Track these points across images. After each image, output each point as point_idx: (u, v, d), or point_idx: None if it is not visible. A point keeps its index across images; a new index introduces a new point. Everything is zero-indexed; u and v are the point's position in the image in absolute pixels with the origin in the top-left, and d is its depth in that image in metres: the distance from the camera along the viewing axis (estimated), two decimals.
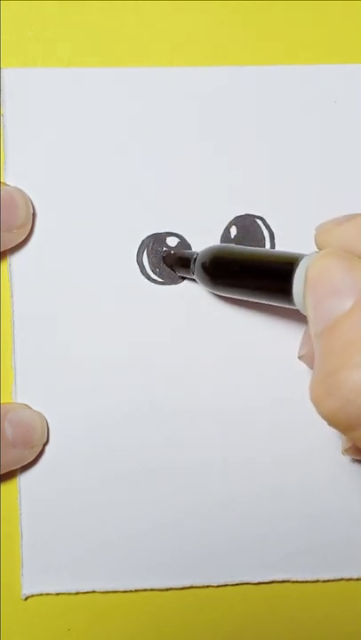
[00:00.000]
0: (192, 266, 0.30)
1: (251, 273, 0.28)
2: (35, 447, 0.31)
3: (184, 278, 0.32)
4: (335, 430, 0.30)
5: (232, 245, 0.31)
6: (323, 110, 0.32)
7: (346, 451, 0.30)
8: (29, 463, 0.32)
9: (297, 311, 0.31)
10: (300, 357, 0.29)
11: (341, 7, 0.33)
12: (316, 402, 0.23)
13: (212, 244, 0.32)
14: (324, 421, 0.30)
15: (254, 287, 0.28)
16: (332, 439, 0.32)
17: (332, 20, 0.33)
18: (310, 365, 0.28)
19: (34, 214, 0.31)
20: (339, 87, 0.32)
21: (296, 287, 0.25)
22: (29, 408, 0.31)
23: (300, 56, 0.32)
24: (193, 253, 0.31)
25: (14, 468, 0.31)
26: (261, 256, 0.28)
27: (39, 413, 0.31)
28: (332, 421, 0.22)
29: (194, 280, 0.31)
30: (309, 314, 0.24)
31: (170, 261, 0.32)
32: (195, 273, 0.30)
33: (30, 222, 0.31)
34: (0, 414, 0.31)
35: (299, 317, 0.32)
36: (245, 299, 0.29)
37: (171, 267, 0.32)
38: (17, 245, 0.31)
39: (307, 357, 0.28)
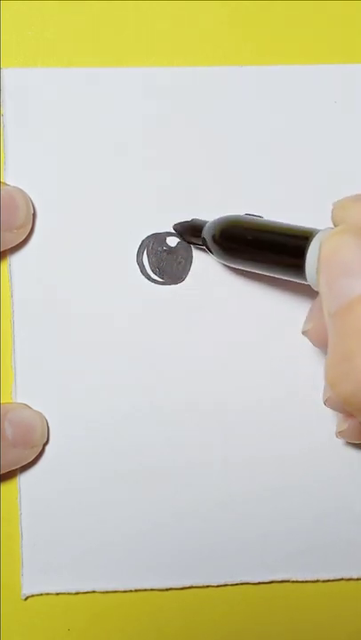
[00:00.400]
0: (204, 235, 0.30)
1: (263, 246, 0.28)
2: (35, 447, 0.31)
3: (185, 273, 0.32)
4: (335, 430, 0.31)
5: (245, 216, 0.30)
6: (323, 110, 0.32)
7: (340, 433, 0.30)
8: (29, 463, 0.32)
9: (297, 307, 0.31)
10: (304, 332, 0.28)
11: (341, 7, 0.33)
12: (332, 384, 0.23)
13: None
14: (323, 421, 0.30)
15: (266, 261, 0.28)
16: (333, 439, 0.32)
17: (333, 20, 0.33)
18: (313, 341, 0.28)
19: (34, 214, 0.31)
20: (339, 87, 0.32)
21: (309, 263, 0.25)
22: (29, 408, 0.31)
23: (300, 56, 0.32)
24: (205, 222, 0.31)
25: (14, 467, 0.31)
26: (275, 229, 0.28)
27: (39, 413, 0.31)
28: (347, 404, 0.23)
29: (203, 249, 0.31)
30: (323, 292, 0.23)
31: (181, 229, 0.32)
32: (205, 242, 0.30)
33: (30, 222, 0.31)
34: (0, 414, 0.31)
35: (298, 316, 0.32)
36: (255, 271, 0.29)
37: (182, 235, 0.32)
38: (17, 245, 0.31)
39: (311, 333, 0.28)
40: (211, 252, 0.30)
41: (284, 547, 0.32)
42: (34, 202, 0.31)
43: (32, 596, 0.32)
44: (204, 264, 0.32)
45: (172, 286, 0.32)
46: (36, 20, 0.32)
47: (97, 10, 0.32)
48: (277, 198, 0.32)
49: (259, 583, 0.33)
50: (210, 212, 0.32)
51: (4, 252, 0.31)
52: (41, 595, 0.32)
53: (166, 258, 0.32)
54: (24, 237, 0.31)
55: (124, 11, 0.32)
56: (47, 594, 0.32)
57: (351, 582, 0.33)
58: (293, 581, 0.33)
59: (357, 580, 0.33)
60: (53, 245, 0.32)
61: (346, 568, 0.33)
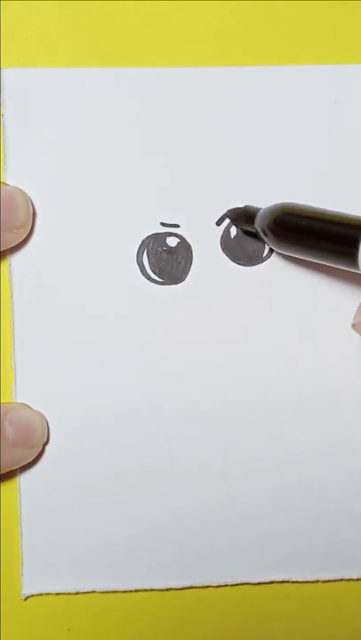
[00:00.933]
0: (257, 221, 0.30)
1: (316, 234, 0.28)
2: (35, 447, 0.31)
3: (185, 273, 0.32)
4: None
5: (299, 204, 0.30)
6: (323, 110, 0.32)
7: (355, 325, 0.30)
8: (29, 463, 0.32)
9: (297, 307, 0.31)
10: (353, 326, 0.29)
11: (341, 7, 0.33)
12: None
13: (212, 243, 0.32)
14: (324, 421, 0.30)
15: (318, 249, 0.28)
16: (332, 439, 0.32)
17: (333, 20, 0.33)
18: None
19: (34, 214, 0.31)
20: (339, 87, 0.32)
21: None
22: (29, 408, 0.31)
23: (300, 56, 0.32)
24: (258, 209, 0.31)
25: (14, 467, 0.31)
26: (329, 217, 0.28)
27: (39, 413, 0.31)
28: None
29: (254, 236, 0.31)
30: None
31: (234, 216, 0.32)
32: (259, 229, 0.30)
33: (30, 222, 0.31)
34: (0, 414, 0.31)
35: (299, 316, 0.32)
36: (307, 259, 0.29)
37: (233, 220, 0.32)
38: (17, 245, 0.31)
39: (359, 326, 0.28)
40: (264, 238, 0.30)
41: (284, 547, 0.32)
42: (34, 202, 0.31)
43: (32, 595, 0.32)
44: (204, 264, 0.32)
45: (172, 286, 0.32)
46: (36, 20, 0.32)
47: (97, 10, 0.32)
48: (278, 198, 0.32)
49: (259, 583, 0.33)
50: (210, 212, 0.32)
51: (4, 251, 0.31)
52: (41, 595, 0.32)
53: (166, 258, 0.32)
54: (24, 237, 0.31)
55: (124, 11, 0.32)
56: (47, 594, 0.32)
57: (351, 582, 0.33)
58: (293, 581, 0.33)
59: (357, 580, 0.33)
60: (53, 245, 0.32)
61: (346, 568, 0.33)
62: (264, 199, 0.32)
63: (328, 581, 0.33)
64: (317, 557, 0.32)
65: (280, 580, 0.32)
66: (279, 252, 0.31)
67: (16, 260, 0.32)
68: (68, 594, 0.32)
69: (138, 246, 0.32)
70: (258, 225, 0.30)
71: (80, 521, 0.32)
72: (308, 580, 0.33)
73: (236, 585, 0.32)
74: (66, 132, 0.32)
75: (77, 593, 0.32)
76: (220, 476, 0.32)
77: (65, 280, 0.32)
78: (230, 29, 0.32)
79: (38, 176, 0.32)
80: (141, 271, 0.32)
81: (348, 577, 0.33)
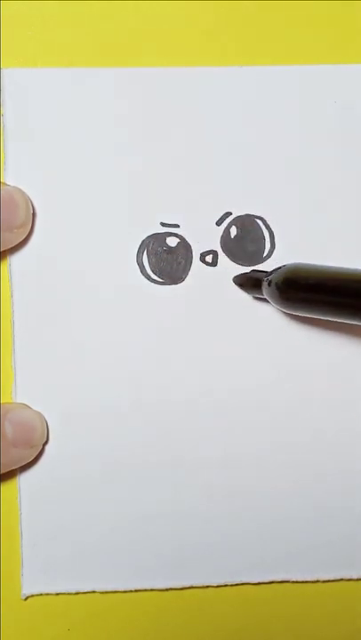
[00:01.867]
0: (264, 285, 0.30)
1: (328, 292, 0.28)
2: (34, 447, 0.31)
3: (185, 273, 0.32)
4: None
5: (305, 263, 0.30)
6: (323, 110, 0.32)
7: None
8: (29, 463, 0.31)
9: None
10: None
11: (341, 7, 0.33)
12: None
13: (212, 243, 0.32)
14: (324, 421, 0.30)
15: (332, 309, 0.28)
16: (332, 439, 0.32)
17: (333, 20, 0.33)
18: None
19: (34, 214, 0.31)
20: (339, 87, 0.32)
21: None
22: (29, 408, 0.31)
23: (300, 56, 0.32)
24: (263, 273, 0.31)
25: (14, 467, 0.31)
26: (336, 275, 0.28)
27: (39, 413, 0.31)
28: None
29: (265, 300, 0.31)
30: None
31: (239, 281, 0.32)
32: (266, 293, 0.30)
33: (30, 222, 0.31)
34: (0, 414, 0.31)
35: (300, 316, 0.32)
36: (321, 318, 0.29)
37: (242, 286, 0.32)
38: (17, 245, 0.31)
39: None
40: (272, 301, 0.30)
41: (284, 547, 0.32)
42: (34, 202, 0.31)
43: (32, 595, 0.32)
44: (204, 264, 0.32)
45: (172, 286, 0.32)
46: (36, 20, 0.32)
47: (97, 10, 0.32)
48: (278, 198, 0.32)
49: (259, 583, 0.32)
50: (210, 213, 0.32)
51: (4, 251, 0.31)
52: (41, 595, 0.32)
53: (166, 258, 0.32)
54: (24, 237, 0.31)
55: (124, 11, 0.32)
56: (47, 594, 0.32)
57: (351, 582, 0.33)
58: (293, 581, 0.33)
59: (357, 580, 0.33)
60: (53, 246, 0.32)
61: (346, 568, 0.33)
62: (264, 198, 0.32)
63: (328, 581, 0.33)
64: (317, 557, 0.32)
65: (280, 579, 0.32)
66: (288, 312, 0.31)
67: (16, 259, 0.32)
68: (68, 594, 0.32)
69: (138, 246, 0.32)
70: (265, 288, 0.30)
71: (80, 521, 0.32)
72: (308, 579, 0.33)
73: (236, 585, 0.32)
74: (66, 132, 0.32)
75: (77, 593, 0.32)
76: (220, 476, 0.32)
77: (65, 280, 0.32)
78: (230, 29, 0.32)
79: (38, 176, 0.32)
80: (141, 271, 0.32)
81: (348, 577, 0.33)
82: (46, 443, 0.32)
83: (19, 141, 0.31)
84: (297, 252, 0.32)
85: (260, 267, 0.32)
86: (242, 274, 0.32)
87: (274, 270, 0.30)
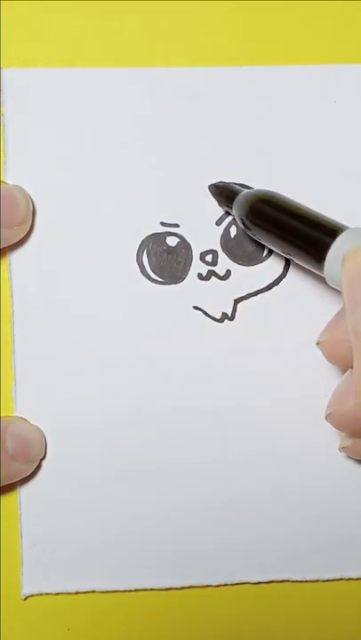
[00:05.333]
0: (235, 204, 0.30)
1: (288, 230, 0.28)
2: (33, 462, 0.31)
3: (185, 273, 0.32)
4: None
5: (278, 194, 0.30)
6: (323, 110, 0.32)
7: (344, 449, 0.30)
8: None
9: (298, 309, 0.31)
10: (318, 344, 0.28)
11: (341, 7, 0.33)
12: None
13: (212, 243, 0.32)
14: (323, 421, 0.30)
15: (288, 245, 0.28)
16: (332, 439, 0.32)
17: (333, 20, 0.33)
18: (327, 354, 0.28)
19: (34, 212, 0.31)
20: (339, 87, 0.32)
21: (329, 261, 0.25)
22: (28, 422, 0.31)
23: (300, 56, 0.32)
24: (240, 190, 0.31)
25: (12, 481, 0.31)
26: (305, 215, 0.28)
27: (38, 428, 0.31)
28: None
29: (231, 215, 0.31)
30: (347, 308, 0.23)
31: (216, 191, 0.32)
32: (235, 211, 0.30)
33: (30, 219, 0.31)
34: (1, 428, 0.31)
35: (300, 316, 0.32)
36: (276, 250, 0.29)
37: (215, 196, 0.32)
38: (16, 246, 0.31)
39: (325, 345, 0.28)
40: (237, 221, 0.30)
41: (283, 547, 0.32)
42: (34, 202, 0.31)
43: (32, 595, 0.32)
44: (204, 264, 0.32)
45: (172, 286, 0.32)
46: (36, 20, 0.32)
47: (97, 10, 0.32)
48: None
49: (259, 583, 0.32)
50: (210, 212, 0.32)
51: (4, 249, 0.31)
52: (41, 595, 0.32)
53: (166, 258, 0.32)
54: (24, 235, 0.31)
55: (124, 11, 0.32)
56: (47, 594, 0.32)
57: (351, 582, 0.33)
58: (293, 581, 0.33)
59: (357, 579, 0.33)
60: (53, 246, 0.32)
61: (346, 568, 0.33)
62: None
63: (328, 581, 0.33)
64: (317, 557, 0.32)
65: (280, 579, 0.32)
66: (251, 236, 0.31)
67: (16, 259, 0.32)
68: (68, 594, 0.32)
69: (138, 246, 0.32)
70: (235, 207, 0.30)
71: (80, 521, 0.32)
72: (308, 579, 0.32)
73: (236, 585, 0.32)
74: (66, 132, 0.32)
75: (77, 593, 0.32)
76: (219, 476, 0.32)
77: (65, 280, 0.32)
78: (230, 29, 0.32)
79: (38, 176, 0.32)
80: (141, 271, 0.32)
81: (347, 577, 0.33)
82: (43, 458, 0.32)
83: (19, 141, 0.32)
84: None
85: (259, 266, 0.32)
86: (217, 184, 0.31)
87: (248, 191, 0.30)
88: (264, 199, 0.29)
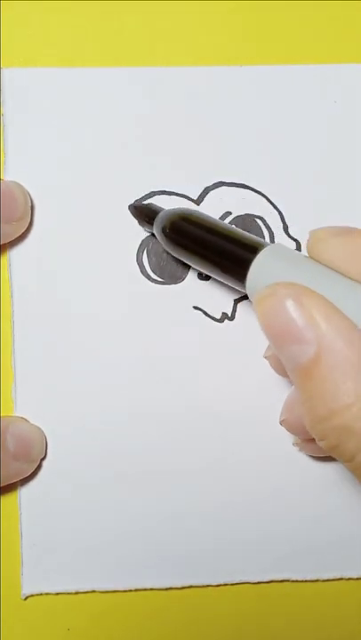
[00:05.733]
0: (155, 222, 0.30)
1: (209, 247, 0.28)
2: (33, 461, 0.31)
3: (185, 273, 0.32)
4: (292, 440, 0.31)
5: (198, 212, 0.30)
6: (323, 110, 0.32)
7: (297, 444, 0.31)
8: None
9: None
10: (265, 357, 0.29)
11: (341, 7, 0.33)
12: (318, 439, 0.23)
13: None
14: None
15: (210, 263, 0.28)
16: None
17: (332, 20, 0.33)
18: (275, 367, 0.28)
19: (34, 211, 0.31)
20: (339, 87, 0.32)
21: (250, 281, 0.25)
22: (29, 422, 0.32)
23: (300, 56, 0.32)
24: (161, 209, 0.30)
25: (13, 481, 0.31)
26: (224, 232, 0.27)
27: (38, 428, 0.32)
28: (333, 454, 0.23)
29: (152, 234, 0.31)
30: (272, 348, 0.23)
31: (135, 211, 0.31)
32: (155, 230, 0.30)
33: (29, 215, 0.31)
34: (1, 427, 0.31)
35: None
36: (199, 269, 0.29)
37: (135, 217, 0.31)
38: (17, 246, 0.31)
39: (270, 360, 0.28)
40: (160, 240, 0.30)
41: (283, 547, 0.32)
42: (34, 201, 0.32)
43: (32, 595, 0.32)
44: None
45: (172, 286, 0.32)
46: (36, 20, 0.32)
47: (97, 10, 0.32)
48: (277, 198, 0.32)
49: (259, 583, 0.33)
50: (210, 212, 0.32)
51: (4, 245, 0.31)
52: (41, 595, 0.32)
53: (166, 258, 0.32)
54: (23, 230, 0.31)
55: (124, 11, 0.32)
56: (47, 594, 0.32)
57: (351, 582, 0.33)
58: (293, 581, 0.33)
59: (357, 579, 0.33)
60: (53, 247, 0.32)
61: (346, 568, 0.33)
62: (264, 198, 0.32)
63: (328, 581, 0.33)
64: (317, 557, 0.32)
65: (280, 579, 0.32)
66: (173, 255, 0.30)
67: (16, 259, 0.32)
68: (68, 594, 0.32)
69: (138, 246, 0.32)
70: (155, 225, 0.30)
71: (80, 521, 0.32)
72: (308, 579, 0.33)
73: (236, 585, 0.32)
74: (66, 132, 0.32)
75: (77, 593, 0.32)
76: (219, 475, 0.32)
77: (65, 281, 0.32)
78: (230, 29, 0.32)
79: (38, 176, 0.32)
80: (141, 271, 0.32)
81: (347, 576, 0.33)
82: (43, 458, 0.32)
83: (19, 140, 0.32)
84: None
85: None
86: (137, 204, 0.31)
87: (168, 210, 0.30)
88: (183, 217, 0.29)
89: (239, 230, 0.28)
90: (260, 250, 0.25)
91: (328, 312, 0.22)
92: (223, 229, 0.28)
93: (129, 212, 0.32)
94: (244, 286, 0.26)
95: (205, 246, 0.28)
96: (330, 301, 0.22)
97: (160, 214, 0.30)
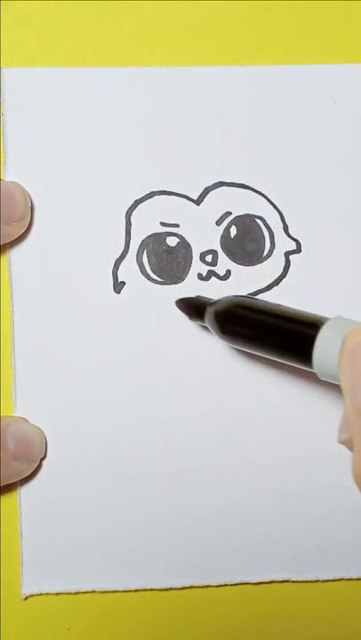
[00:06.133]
0: (207, 313, 0.30)
1: (268, 331, 0.27)
2: (33, 461, 0.31)
3: (185, 273, 0.32)
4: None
5: (249, 297, 0.30)
6: (323, 110, 0.32)
7: (344, 441, 0.30)
8: None
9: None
10: (340, 442, 0.27)
11: (341, 7, 0.33)
12: (358, 480, 0.23)
13: (212, 243, 0.32)
14: (323, 424, 0.30)
15: (271, 346, 0.27)
16: (332, 441, 0.32)
17: (333, 20, 0.33)
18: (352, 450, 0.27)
19: (33, 211, 0.31)
20: (339, 87, 0.32)
21: (318, 352, 0.24)
22: (28, 422, 0.31)
23: (300, 56, 0.32)
24: (208, 300, 0.30)
25: (13, 481, 0.31)
26: (281, 313, 0.27)
27: (38, 428, 0.31)
28: None
29: (205, 327, 0.31)
30: (346, 386, 0.23)
31: (183, 306, 0.31)
32: (208, 323, 0.30)
33: (29, 215, 0.31)
34: (1, 427, 0.31)
35: None
36: (260, 354, 0.29)
37: (184, 311, 0.31)
38: (16, 246, 0.31)
39: (349, 443, 0.26)
40: (212, 332, 0.30)
41: (284, 547, 0.32)
42: (34, 201, 0.32)
43: (32, 595, 0.32)
44: (204, 264, 0.32)
45: (172, 286, 0.32)
46: (36, 20, 0.32)
47: (97, 10, 0.32)
48: (277, 198, 0.32)
49: (259, 583, 0.32)
50: (210, 212, 0.32)
51: (4, 249, 0.31)
52: (41, 595, 0.32)
53: (166, 258, 0.32)
54: (23, 231, 0.31)
55: (124, 11, 0.32)
56: (47, 594, 0.32)
57: (351, 582, 0.33)
58: (293, 581, 0.32)
59: (357, 579, 0.33)
60: (53, 247, 0.32)
61: (346, 568, 0.33)
62: (264, 199, 0.32)
63: (328, 581, 0.33)
64: (317, 557, 0.32)
65: (280, 579, 0.32)
66: (229, 345, 0.30)
67: (16, 259, 0.32)
68: (68, 594, 0.32)
69: (138, 246, 0.32)
70: (207, 317, 0.30)
71: (80, 521, 0.32)
72: (308, 579, 0.32)
73: (236, 585, 0.32)
74: (66, 132, 0.32)
75: (77, 593, 0.32)
76: (219, 476, 0.32)
77: (65, 281, 0.32)
78: (230, 29, 0.32)
79: (38, 175, 0.32)
80: (141, 271, 0.32)
81: (348, 577, 0.33)
82: (43, 458, 0.32)
83: (18, 140, 0.32)
84: (297, 252, 0.32)
85: (259, 266, 0.32)
86: (185, 298, 0.31)
87: (218, 300, 0.30)
88: (236, 303, 0.29)
89: (291, 309, 0.27)
90: (321, 325, 0.25)
91: None
92: (277, 311, 0.28)
93: (176, 305, 0.31)
94: (311, 365, 0.25)
95: (264, 330, 0.27)
96: None
97: (210, 307, 0.29)
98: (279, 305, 0.28)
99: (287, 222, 0.32)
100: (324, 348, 0.24)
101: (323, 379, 0.25)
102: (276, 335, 0.27)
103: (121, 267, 0.32)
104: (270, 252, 0.32)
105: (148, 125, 0.32)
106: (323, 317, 0.26)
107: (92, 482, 0.32)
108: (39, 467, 0.32)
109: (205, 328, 0.31)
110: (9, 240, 0.31)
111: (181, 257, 0.32)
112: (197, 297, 0.31)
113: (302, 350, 0.25)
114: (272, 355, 0.28)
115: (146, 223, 0.32)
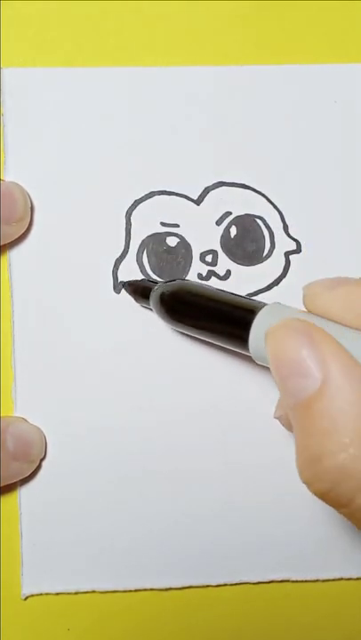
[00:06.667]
0: (152, 296, 0.30)
1: (208, 314, 0.28)
2: (33, 462, 0.31)
3: (185, 273, 0.32)
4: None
5: (193, 282, 0.30)
6: (323, 110, 0.32)
7: (279, 417, 0.30)
8: None
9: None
10: (276, 417, 0.28)
11: (341, 7, 0.33)
12: (307, 483, 0.23)
13: (212, 243, 0.32)
14: None
15: (210, 329, 0.28)
16: None
17: (332, 20, 0.33)
18: (286, 426, 0.28)
19: (33, 210, 0.31)
20: (339, 87, 0.32)
21: (253, 338, 0.25)
22: (28, 422, 0.32)
23: (300, 56, 0.32)
24: (154, 284, 0.31)
25: (13, 481, 0.31)
26: (221, 299, 0.28)
27: (38, 428, 0.32)
28: (325, 500, 0.23)
29: (149, 309, 0.31)
30: (277, 384, 0.23)
31: (130, 288, 0.32)
32: (153, 304, 0.30)
33: (29, 216, 0.31)
34: (1, 427, 0.31)
35: None
36: (200, 337, 0.29)
37: (131, 294, 0.32)
38: (16, 246, 0.31)
39: (283, 419, 0.28)
40: (157, 314, 0.30)
41: (283, 547, 0.32)
42: (34, 201, 0.32)
43: (32, 595, 0.32)
44: (204, 264, 0.32)
45: None
46: (36, 20, 0.32)
47: (97, 10, 0.32)
48: (277, 198, 0.32)
49: (259, 583, 0.32)
50: (210, 212, 0.32)
51: (4, 246, 0.31)
52: (41, 595, 0.32)
53: (166, 258, 0.32)
54: (22, 231, 0.31)
55: (124, 11, 0.32)
56: (47, 594, 0.32)
57: (351, 582, 0.33)
58: (293, 581, 0.33)
59: (357, 579, 0.33)
60: (53, 247, 0.32)
61: (346, 568, 0.33)
62: (263, 199, 0.32)
63: (328, 581, 0.33)
64: (317, 557, 0.32)
65: (280, 579, 0.32)
66: (172, 327, 0.31)
67: (15, 259, 0.32)
68: (68, 594, 0.32)
69: (138, 246, 0.32)
70: (152, 299, 0.30)
71: (80, 521, 0.32)
72: (308, 579, 0.33)
73: (236, 585, 0.32)
74: (66, 132, 0.32)
75: (77, 593, 0.32)
76: (219, 476, 0.32)
77: (65, 281, 0.32)
78: (230, 29, 0.32)
79: (38, 175, 0.32)
80: (141, 271, 0.32)
81: (347, 576, 0.33)
82: (43, 458, 0.32)
83: (18, 140, 0.32)
84: (297, 252, 0.32)
85: (259, 266, 0.32)
86: (132, 281, 0.32)
87: (164, 282, 0.30)
88: (180, 286, 0.29)
89: (234, 294, 0.28)
90: (258, 310, 0.25)
91: (336, 350, 0.22)
92: (219, 296, 0.28)
93: (123, 287, 0.32)
94: (247, 349, 0.25)
95: (205, 313, 0.28)
96: (338, 341, 0.22)
97: (155, 288, 0.30)
98: (223, 291, 0.28)
99: (287, 222, 0.32)
100: (259, 332, 0.24)
101: (259, 363, 0.25)
102: (215, 319, 0.27)
103: (121, 267, 0.32)
104: (270, 251, 0.32)
105: (148, 125, 0.32)
106: (262, 303, 0.26)
107: (91, 482, 0.32)
108: (39, 467, 0.32)
109: (151, 310, 0.31)
110: (9, 240, 0.31)
111: (181, 257, 0.32)
112: (143, 280, 0.31)
113: (239, 335, 0.26)
114: (212, 338, 0.28)
115: (146, 223, 0.32)
